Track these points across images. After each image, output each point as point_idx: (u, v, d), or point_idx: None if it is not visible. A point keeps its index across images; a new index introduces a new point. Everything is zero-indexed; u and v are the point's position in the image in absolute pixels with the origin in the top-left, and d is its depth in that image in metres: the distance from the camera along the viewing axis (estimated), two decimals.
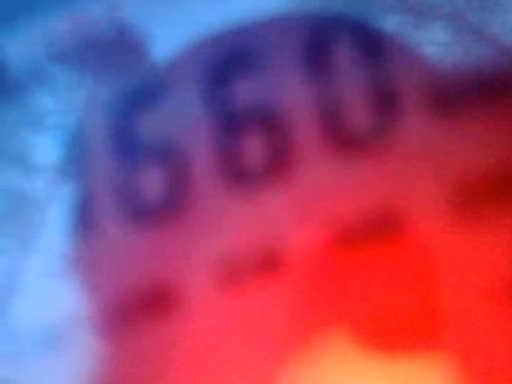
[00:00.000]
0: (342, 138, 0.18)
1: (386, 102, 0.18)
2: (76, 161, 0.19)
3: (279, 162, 0.18)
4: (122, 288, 0.18)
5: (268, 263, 0.18)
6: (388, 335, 0.17)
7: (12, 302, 0.18)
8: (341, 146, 0.18)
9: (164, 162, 0.19)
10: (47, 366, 0.18)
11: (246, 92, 0.19)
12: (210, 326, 0.18)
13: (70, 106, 0.19)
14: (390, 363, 0.17)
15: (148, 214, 0.18)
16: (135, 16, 0.19)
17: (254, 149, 0.18)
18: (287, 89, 0.18)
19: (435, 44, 0.18)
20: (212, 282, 0.18)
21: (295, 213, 0.18)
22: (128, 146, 0.19)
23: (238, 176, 0.18)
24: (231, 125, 0.19)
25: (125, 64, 0.19)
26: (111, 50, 0.19)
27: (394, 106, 0.18)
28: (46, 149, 0.19)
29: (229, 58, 0.19)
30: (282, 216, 0.18)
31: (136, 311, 0.18)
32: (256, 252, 0.18)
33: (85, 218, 0.19)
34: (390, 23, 0.19)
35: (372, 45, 0.18)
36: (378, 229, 0.18)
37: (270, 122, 0.18)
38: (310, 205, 0.18)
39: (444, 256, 0.17)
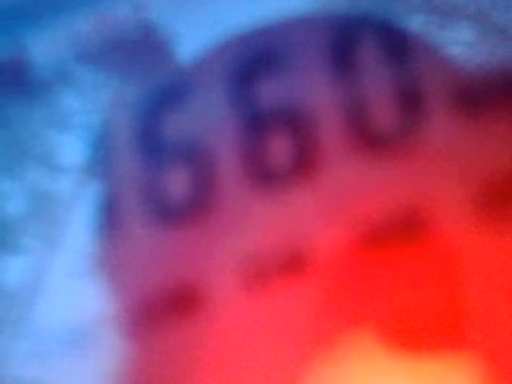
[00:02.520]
0: (367, 138, 0.18)
1: (411, 101, 0.18)
2: (101, 161, 0.19)
3: (305, 162, 0.18)
4: (148, 288, 0.18)
5: (293, 263, 0.18)
6: (413, 335, 0.17)
7: (38, 301, 0.18)
8: (366, 146, 0.18)
9: (190, 162, 0.19)
10: (73, 365, 0.18)
11: (271, 92, 0.19)
12: (235, 325, 0.18)
13: (96, 105, 0.19)
14: (416, 363, 0.17)
15: (173, 214, 0.18)
16: (161, 16, 0.19)
17: (279, 149, 0.18)
18: (313, 89, 0.18)
19: (460, 44, 0.18)
20: (238, 281, 0.18)
21: (321, 213, 0.18)
22: (154, 146, 0.19)
23: (263, 176, 0.18)
24: (257, 125, 0.19)
25: (150, 64, 0.19)
26: (137, 50, 0.19)
27: (419, 105, 0.18)
28: (72, 148, 0.19)
29: (254, 59, 0.19)
30: (307, 216, 0.18)
31: (162, 311, 0.18)
32: (281, 252, 0.18)
33: (110, 218, 0.19)
34: (416, 23, 0.19)
35: (397, 45, 0.18)
36: (403, 229, 0.18)
37: (295, 122, 0.18)
38: (335, 205, 0.18)
39: (469, 256, 0.17)
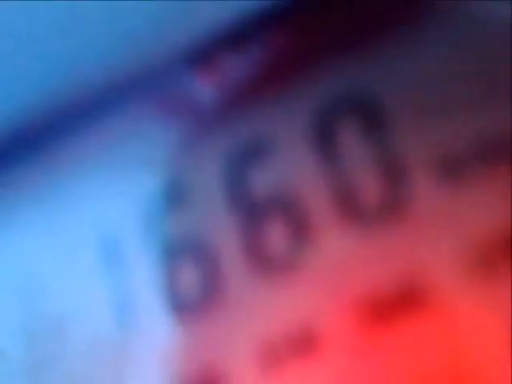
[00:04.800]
0: (358, 216, 0.19)
1: (395, 176, 0.19)
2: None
3: (301, 244, 0.19)
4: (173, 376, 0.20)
5: (304, 343, 0.19)
6: None
7: None
8: (358, 223, 0.19)
9: (196, 258, 0.20)
10: None
11: (263, 182, 0.20)
12: None
13: None
14: None
15: (188, 307, 0.20)
16: None
17: (275, 235, 0.19)
18: (299, 174, 0.19)
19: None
20: (253, 364, 0.19)
21: (323, 293, 0.19)
22: (161, 244, 0.20)
23: (264, 262, 0.19)
24: (252, 215, 0.20)
25: None
26: None
27: (403, 179, 0.19)
28: None
29: (244, 150, 0.20)
30: (310, 297, 0.19)
31: None
32: (291, 333, 0.19)
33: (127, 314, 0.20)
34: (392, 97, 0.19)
35: (376, 122, 0.19)
36: (403, 299, 0.18)
37: (288, 208, 0.19)
38: (335, 283, 0.19)
39: (467, 317, 0.18)
